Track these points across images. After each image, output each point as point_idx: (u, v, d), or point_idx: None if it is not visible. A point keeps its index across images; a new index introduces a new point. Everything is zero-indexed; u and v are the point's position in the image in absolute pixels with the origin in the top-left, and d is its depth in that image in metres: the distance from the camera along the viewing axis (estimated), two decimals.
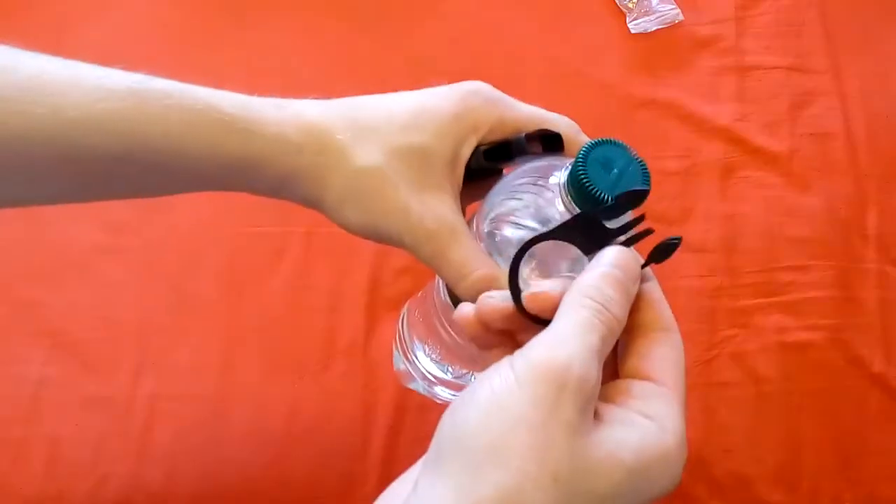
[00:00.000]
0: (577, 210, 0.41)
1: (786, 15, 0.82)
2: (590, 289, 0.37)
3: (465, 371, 0.61)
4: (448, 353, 0.59)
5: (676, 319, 0.68)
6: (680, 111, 0.78)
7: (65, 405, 0.64)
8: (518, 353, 0.36)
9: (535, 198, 0.44)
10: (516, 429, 0.34)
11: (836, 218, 0.74)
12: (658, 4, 0.82)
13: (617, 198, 0.39)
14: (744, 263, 0.71)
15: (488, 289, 0.42)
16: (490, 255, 0.44)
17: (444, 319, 0.55)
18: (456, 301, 0.49)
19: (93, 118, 0.41)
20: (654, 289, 0.41)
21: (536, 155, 0.45)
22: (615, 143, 0.41)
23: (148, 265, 0.69)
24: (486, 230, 0.45)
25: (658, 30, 0.82)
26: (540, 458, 0.34)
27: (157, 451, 0.63)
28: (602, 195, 0.40)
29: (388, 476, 0.62)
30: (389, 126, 0.45)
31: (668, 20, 0.82)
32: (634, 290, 0.39)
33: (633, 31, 0.82)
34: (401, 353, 0.64)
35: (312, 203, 0.46)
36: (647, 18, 0.81)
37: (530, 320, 0.39)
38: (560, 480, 0.33)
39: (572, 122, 0.47)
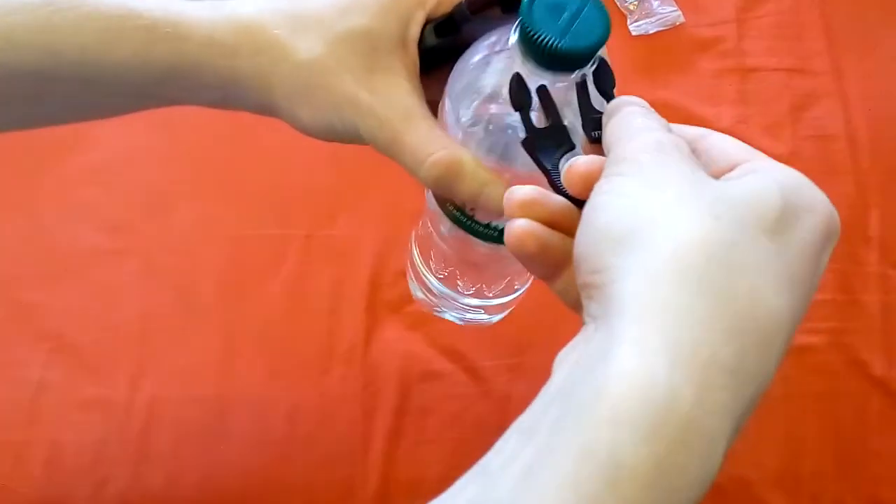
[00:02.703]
0: (537, 70, 0.39)
1: (787, 17, 0.82)
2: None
3: (478, 285, 0.60)
4: (455, 266, 0.58)
5: None
6: (681, 113, 0.77)
7: (64, 408, 0.64)
8: None
9: (497, 71, 0.42)
10: (651, 189, 0.32)
11: None
12: (659, 6, 0.82)
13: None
14: None
15: (448, 170, 0.40)
16: (473, 150, 0.42)
17: (436, 227, 0.54)
18: (439, 200, 0.47)
19: (4, 33, 0.40)
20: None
21: (493, 21, 0.42)
22: None
23: (147, 268, 0.69)
24: (462, 123, 0.43)
25: (659, 32, 0.81)
26: (690, 202, 0.31)
27: (157, 455, 0.63)
28: (550, 42, 0.37)
29: (388, 480, 0.62)
30: (328, 12, 0.42)
31: (669, 22, 0.82)
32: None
33: (633, 33, 0.81)
34: (415, 280, 0.63)
35: (267, 109, 0.43)
36: (647, 20, 0.81)
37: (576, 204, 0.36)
38: (722, 216, 0.30)
39: None
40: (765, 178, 0.33)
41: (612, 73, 0.40)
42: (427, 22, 0.43)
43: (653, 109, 0.37)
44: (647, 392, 0.27)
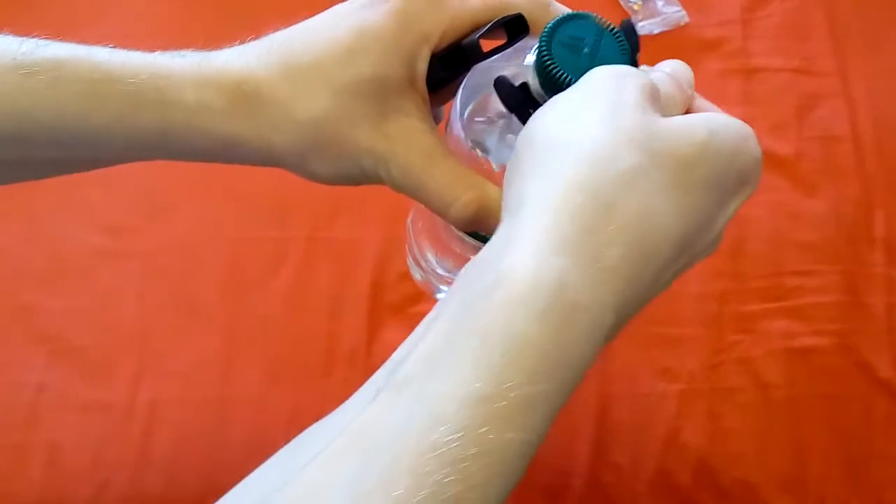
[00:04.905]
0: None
1: (792, 17, 0.81)
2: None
3: None
4: (459, 262, 0.58)
5: (681, 324, 0.68)
6: None
7: (64, 411, 0.64)
8: None
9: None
10: (583, 111, 0.35)
11: (842, 222, 0.73)
12: (663, 6, 0.81)
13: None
14: (750, 268, 0.71)
15: (478, 213, 0.40)
16: (479, 154, 0.41)
17: (447, 232, 0.53)
18: None
19: None
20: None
21: (501, 48, 0.41)
22: (581, 16, 0.38)
23: (148, 270, 0.69)
24: (468, 135, 0.42)
25: (663, 32, 0.81)
26: (610, 126, 0.34)
27: (158, 458, 0.63)
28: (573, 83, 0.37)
29: None
30: (327, 60, 0.39)
31: (674, 22, 0.81)
32: (690, 92, 0.40)
33: (638, 34, 0.81)
34: (415, 264, 0.63)
35: (274, 164, 0.42)
36: (652, 20, 0.81)
37: None
38: (636, 141, 0.33)
39: None
40: (698, 119, 0.36)
41: (637, 40, 0.40)
42: (432, 54, 0.41)
43: (676, 77, 0.40)
44: (538, 278, 0.30)
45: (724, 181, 0.36)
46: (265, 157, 0.41)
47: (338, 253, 0.70)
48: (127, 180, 0.72)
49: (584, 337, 0.31)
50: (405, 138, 0.40)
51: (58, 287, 0.68)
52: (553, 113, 0.36)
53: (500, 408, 0.29)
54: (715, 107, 0.41)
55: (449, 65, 0.41)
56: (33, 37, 0.41)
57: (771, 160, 0.75)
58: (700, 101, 0.41)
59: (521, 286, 0.30)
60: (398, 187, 0.41)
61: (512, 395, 0.29)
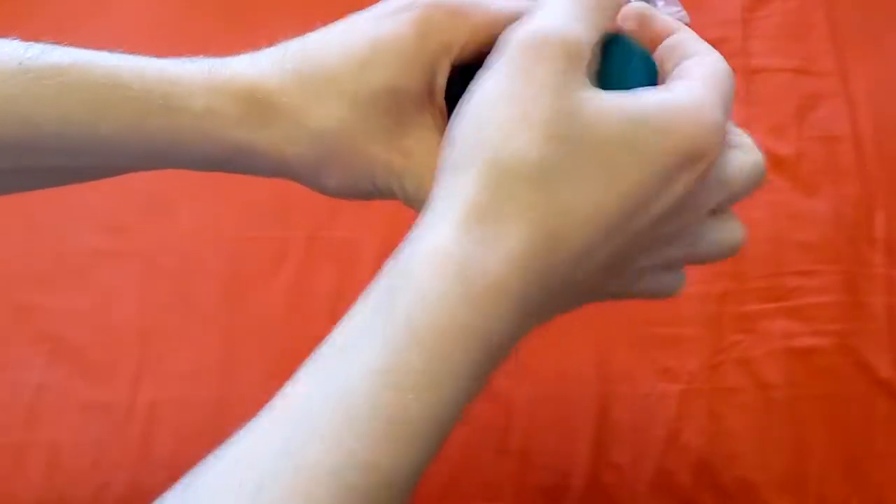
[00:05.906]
0: None
1: (792, 17, 0.81)
2: None
3: None
4: None
5: (681, 324, 0.68)
6: None
7: (64, 411, 0.64)
8: None
9: None
10: (496, 106, 0.34)
11: (843, 222, 0.73)
12: (664, 7, 0.81)
13: None
14: (750, 268, 0.71)
15: None
16: None
17: None
18: None
19: None
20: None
21: None
22: (619, 38, 0.37)
23: (148, 270, 0.69)
24: None
25: None
26: (520, 115, 0.33)
27: (158, 458, 0.63)
28: None
29: None
30: (343, 69, 0.38)
31: None
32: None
33: None
34: None
35: (285, 176, 0.41)
36: None
37: None
38: (555, 139, 0.33)
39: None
40: (628, 97, 0.34)
41: None
42: (452, 67, 0.40)
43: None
44: (444, 267, 0.32)
45: (661, 159, 0.34)
46: (276, 167, 0.40)
47: (338, 253, 0.69)
48: (127, 180, 0.71)
49: (489, 322, 0.32)
50: (421, 152, 0.39)
51: (58, 287, 0.68)
52: (468, 105, 0.35)
53: (409, 383, 0.31)
54: (700, 44, 0.39)
55: (470, 77, 0.39)
56: (40, 42, 0.40)
57: (771, 160, 0.75)
58: (686, 45, 0.39)
59: (429, 276, 0.32)
60: (412, 203, 0.40)
61: (420, 368, 0.31)
